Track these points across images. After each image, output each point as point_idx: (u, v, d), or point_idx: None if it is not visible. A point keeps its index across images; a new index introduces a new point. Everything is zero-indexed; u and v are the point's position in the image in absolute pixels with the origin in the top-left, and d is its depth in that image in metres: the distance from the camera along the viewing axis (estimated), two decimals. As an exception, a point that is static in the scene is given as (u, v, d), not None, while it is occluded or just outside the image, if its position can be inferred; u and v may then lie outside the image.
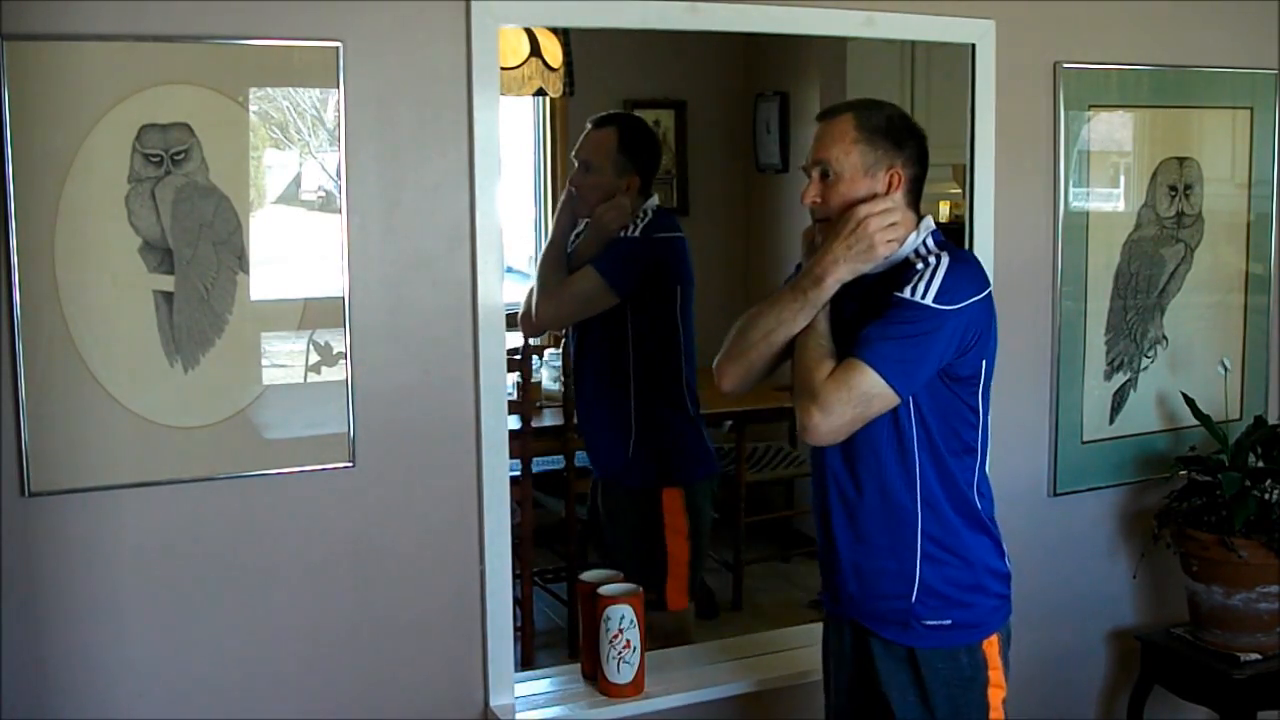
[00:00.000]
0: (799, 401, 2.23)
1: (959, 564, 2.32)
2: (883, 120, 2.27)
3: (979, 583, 2.34)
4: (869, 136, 2.24)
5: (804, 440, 2.25)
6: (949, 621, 2.31)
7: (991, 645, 2.34)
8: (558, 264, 3.24)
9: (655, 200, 3.28)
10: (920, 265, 2.22)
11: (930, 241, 2.28)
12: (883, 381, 2.17)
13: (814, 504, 2.42)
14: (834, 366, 2.20)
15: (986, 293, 2.25)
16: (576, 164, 3.29)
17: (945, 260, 2.22)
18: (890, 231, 2.23)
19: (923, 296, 2.18)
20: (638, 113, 5.59)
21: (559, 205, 3.34)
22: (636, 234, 3.21)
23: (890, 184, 2.25)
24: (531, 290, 3.33)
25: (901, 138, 2.27)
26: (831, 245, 2.23)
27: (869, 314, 2.23)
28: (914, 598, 2.30)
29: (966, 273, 2.24)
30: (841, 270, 2.23)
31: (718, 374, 2.40)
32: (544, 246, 3.34)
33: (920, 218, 2.30)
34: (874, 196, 2.24)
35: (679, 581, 3.27)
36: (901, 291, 2.19)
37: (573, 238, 3.30)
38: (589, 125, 3.31)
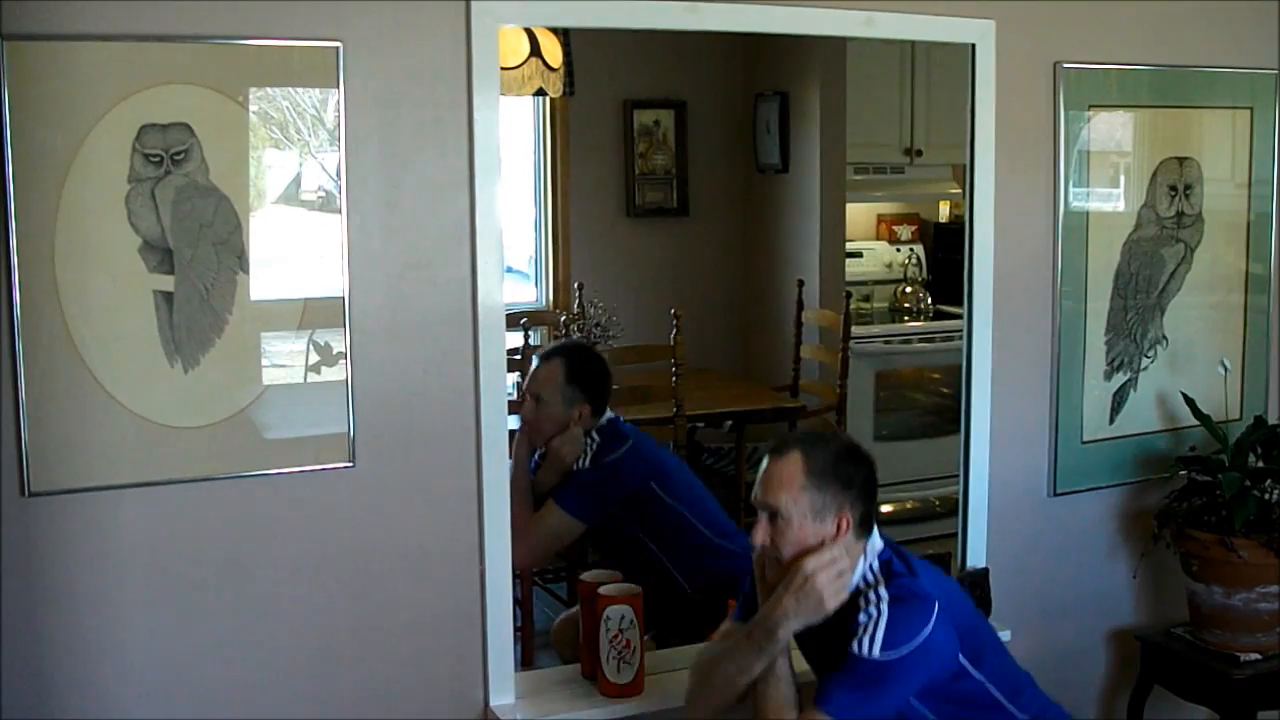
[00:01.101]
0: None
1: None
2: (830, 460, 2.30)
3: None
4: (816, 481, 2.28)
5: None
6: None
7: None
8: (524, 500, 3.22)
9: (606, 417, 3.28)
10: (863, 615, 2.25)
11: (875, 565, 2.32)
12: None
13: None
14: (796, 715, 2.28)
15: (934, 615, 2.25)
16: (527, 397, 3.31)
17: (885, 604, 2.25)
18: (838, 582, 2.27)
19: (869, 651, 2.22)
20: (637, 113, 5.63)
21: (515, 437, 3.32)
22: (587, 464, 3.24)
23: (839, 528, 2.28)
24: None
25: (849, 475, 2.31)
26: (782, 599, 2.28)
27: (821, 638, 2.29)
28: None
29: (906, 610, 2.25)
30: (793, 624, 2.29)
31: (689, 709, 2.48)
32: (508, 479, 3.35)
33: (868, 539, 2.33)
34: (822, 542, 2.27)
35: None
36: (852, 645, 2.23)
37: (532, 465, 3.31)
38: (535, 360, 3.36)
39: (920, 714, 2.29)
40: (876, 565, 2.32)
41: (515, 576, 2.97)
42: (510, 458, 3.18)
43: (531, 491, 3.27)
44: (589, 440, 3.25)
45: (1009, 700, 2.40)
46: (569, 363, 3.30)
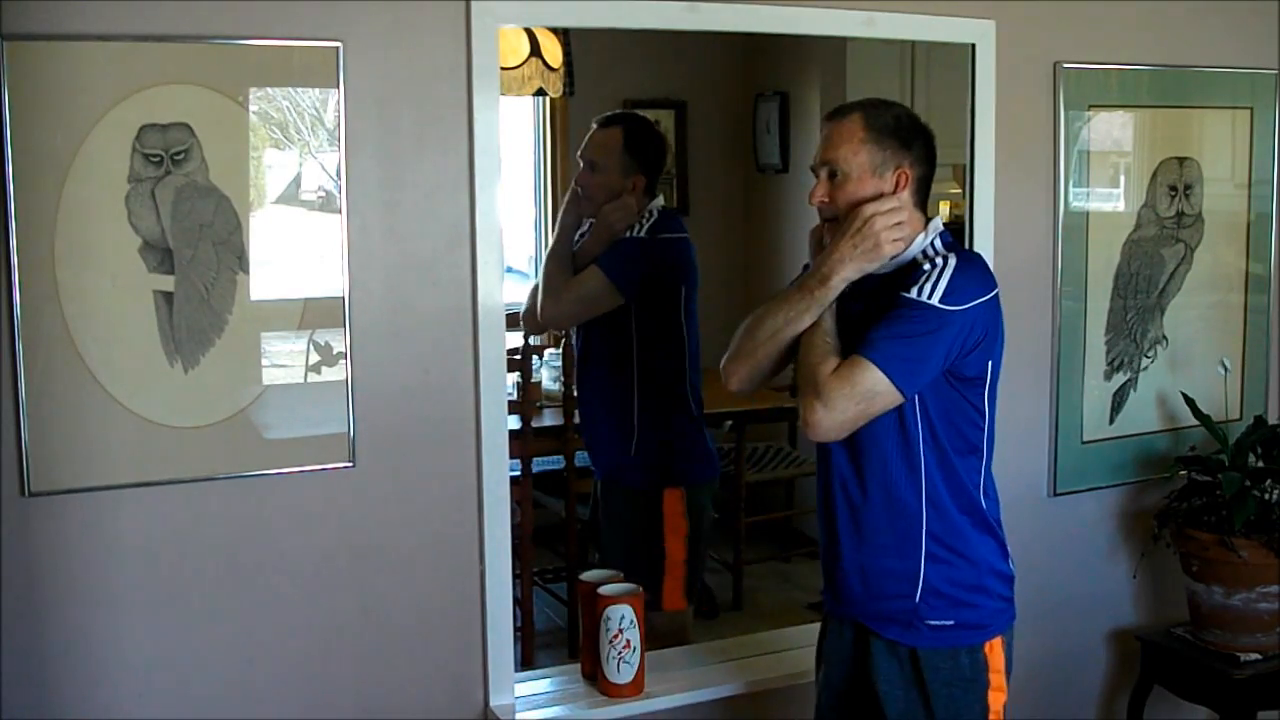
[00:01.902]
0: (803, 397, 2.23)
1: (963, 564, 2.32)
2: (891, 120, 2.27)
3: (983, 584, 2.34)
4: (877, 136, 2.25)
5: (806, 435, 2.26)
6: (952, 622, 2.31)
7: (994, 648, 2.34)
8: (563, 263, 3.23)
9: (660, 200, 3.28)
10: (927, 266, 2.23)
11: (938, 243, 2.29)
12: (887, 379, 2.17)
13: (819, 504, 2.43)
14: (839, 363, 2.21)
15: (993, 294, 2.26)
16: (582, 163, 3.28)
17: (952, 261, 2.23)
18: (896, 230, 2.23)
19: (929, 297, 2.19)
20: (637, 113, 5.62)
21: (564, 203, 3.34)
22: (642, 234, 3.20)
23: (898, 183, 2.25)
24: (536, 287, 3.32)
25: (909, 137, 2.28)
26: (838, 244, 2.24)
27: (875, 313, 2.23)
28: (918, 597, 2.30)
29: (973, 274, 2.24)
30: (848, 269, 2.24)
31: (725, 373, 2.41)
32: (549, 244, 3.33)
33: (929, 218, 2.30)
34: (881, 196, 2.24)
35: (675, 582, 3.27)
36: (908, 292, 2.20)
37: (578, 237, 3.29)
38: (594, 125, 3.31)
39: (914, 410, 2.25)
40: (939, 243, 2.28)
41: (515, 601, 2.96)
42: (556, 225, 3.25)
43: (572, 262, 3.24)
44: (647, 214, 3.22)
45: (984, 472, 2.37)
46: (628, 131, 3.25)
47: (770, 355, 2.34)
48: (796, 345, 2.30)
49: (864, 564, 2.34)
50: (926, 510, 2.29)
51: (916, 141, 2.29)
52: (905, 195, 2.26)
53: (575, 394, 3.79)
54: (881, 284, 2.27)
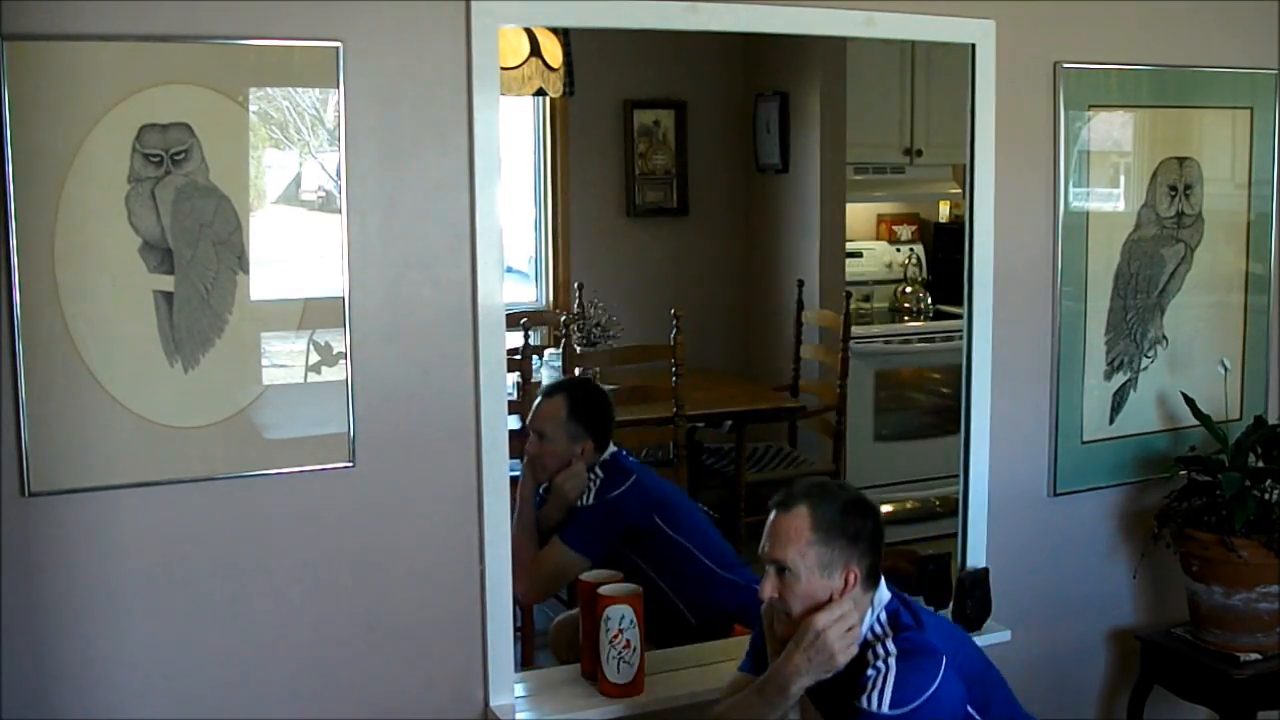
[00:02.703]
0: None
1: None
2: (836, 514, 2.31)
3: None
4: (824, 536, 2.29)
5: None
6: None
7: None
8: (529, 535, 3.24)
9: (609, 451, 3.29)
10: (870, 670, 2.26)
11: (882, 617, 2.33)
12: None
13: None
14: None
15: (940, 670, 2.26)
16: (531, 432, 3.32)
17: (894, 659, 2.26)
18: (848, 637, 2.28)
19: (878, 706, 2.22)
20: (637, 113, 5.63)
21: (522, 472, 3.34)
22: (590, 501, 3.24)
23: (846, 582, 2.29)
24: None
25: (857, 530, 2.31)
26: (793, 656, 2.30)
27: (831, 690, 2.30)
28: None
29: (914, 666, 2.26)
30: (804, 680, 2.30)
31: None
32: (514, 516, 3.34)
33: (875, 590, 2.34)
34: (831, 597, 2.28)
35: None
36: (860, 701, 2.23)
37: (537, 500, 3.32)
38: (539, 396, 3.37)
39: None
40: (884, 617, 2.33)
41: (515, 601, 2.97)
42: (515, 492, 3.19)
43: (536, 527, 3.28)
44: (592, 476, 3.26)
45: None
46: (572, 399, 3.31)
47: None
48: None
49: None
50: None
51: (864, 532, 2.32)
52: (856, 592, 2.30)
53: None
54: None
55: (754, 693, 2.38)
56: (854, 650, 2.29)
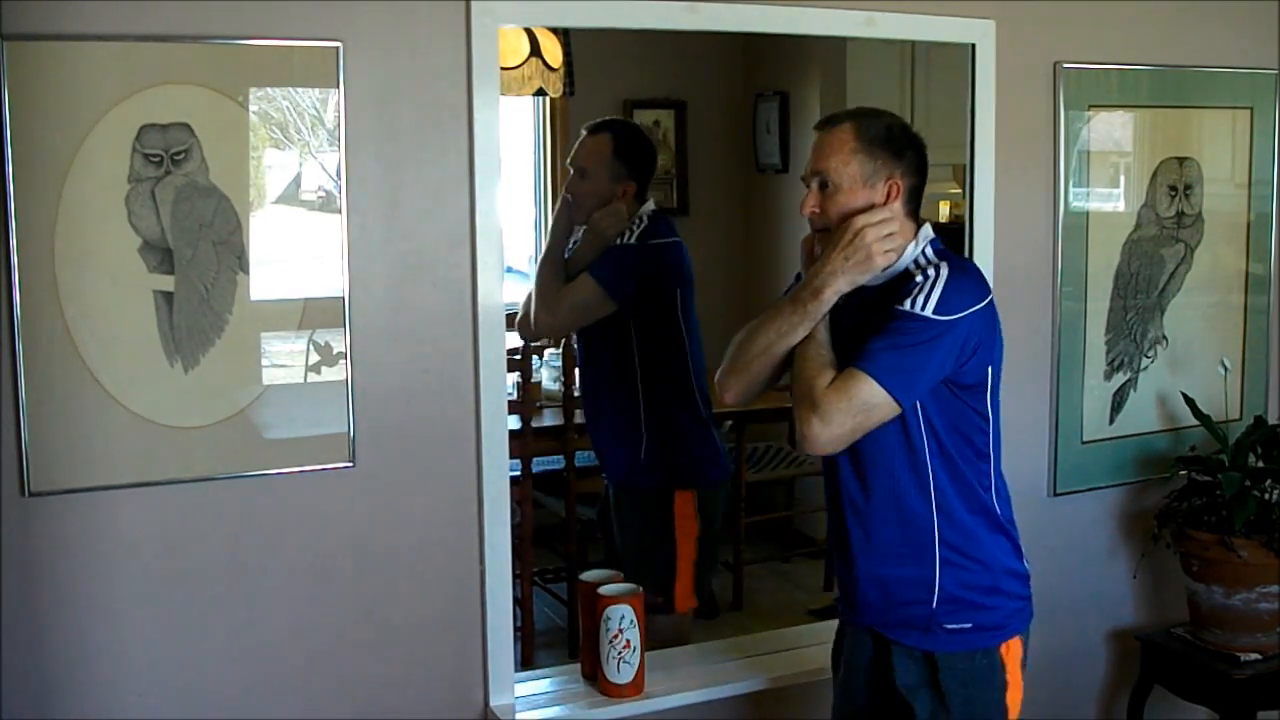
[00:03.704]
0: (799, 411, 2.23)
1: (977, 568, 2.32)
2: (882, 130, 2.27)
3: (998, 585, 2.34)
4: (868, 147, 2.24)
5: (803, 450, 2.25)
6: (969, 625, 2.31)
7: (1011, 648, 2.35)
8: (555, 271, 3.24)
9: (651, 205, 3.28)
10: (919, 277, 2.22)
11: (929, 251, 2.28)
12: (883, 391, 2.17)
13: (828, 516, 2.43)
14: (834, 376, 2.20)
15: (987, 300, 2.25)
16: (572, 170, 3.29)
17: (944, 271, 2.22)
18: (888, 242, 2.23)
19: (922, 308, 2.18)
20: (637, 113, 5.63)
21: (555, 211, 3.34)
22: (633, 241, 3.20)
23: (889, 194, 2.25)
24: (530, 295, 3.32)
25: (900, 147, 2.27)
26: (829, 256, 2.24)
27: (868, 325, 2.23)
28: (934, 604, 2.30)
29: (965, 282, 2.24)
30: (840, 282, 2.24)
31: (720, 387, 2.40)
32: (541, 252, 3.33)
33: (919, 226, 2.30)
34: (872, 207, 2.24)
35: (686, 583, 3.27)
36: (901, 304, 2.19)
37: (570, 244, 3.29)
38: (584, 131, 3.31)
39: (917, 419, 2.25)
40: (930, 251, 2.28)
41: (515, 601, 2.96)
42: (549, 233, 3.25)
43: (565, 269, 3.24)
44: (637, 220, 3.21)
45: (994, 474, 2.37)
46: (618, 138, 3.26)
47: (764, 369, 2.33)
48: (791, 358, 2.30)
49: (878, 574, 2.34)
50: (937, 517, 2.29)
51: (908, 151, 2.28)
52: (897, 206, 2.25)
53: (580, 398, 3.78)
54: (874, 295, 2.27)
55: (786, 301, 2.31)
56: (893, 257, 2.24)
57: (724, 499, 3.41)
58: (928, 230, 2.30)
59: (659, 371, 3.24)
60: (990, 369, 2.30)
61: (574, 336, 3.52)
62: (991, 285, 3.04)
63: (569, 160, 3.31)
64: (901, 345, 2.17)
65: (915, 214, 2.30)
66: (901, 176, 2.26)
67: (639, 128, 3.45)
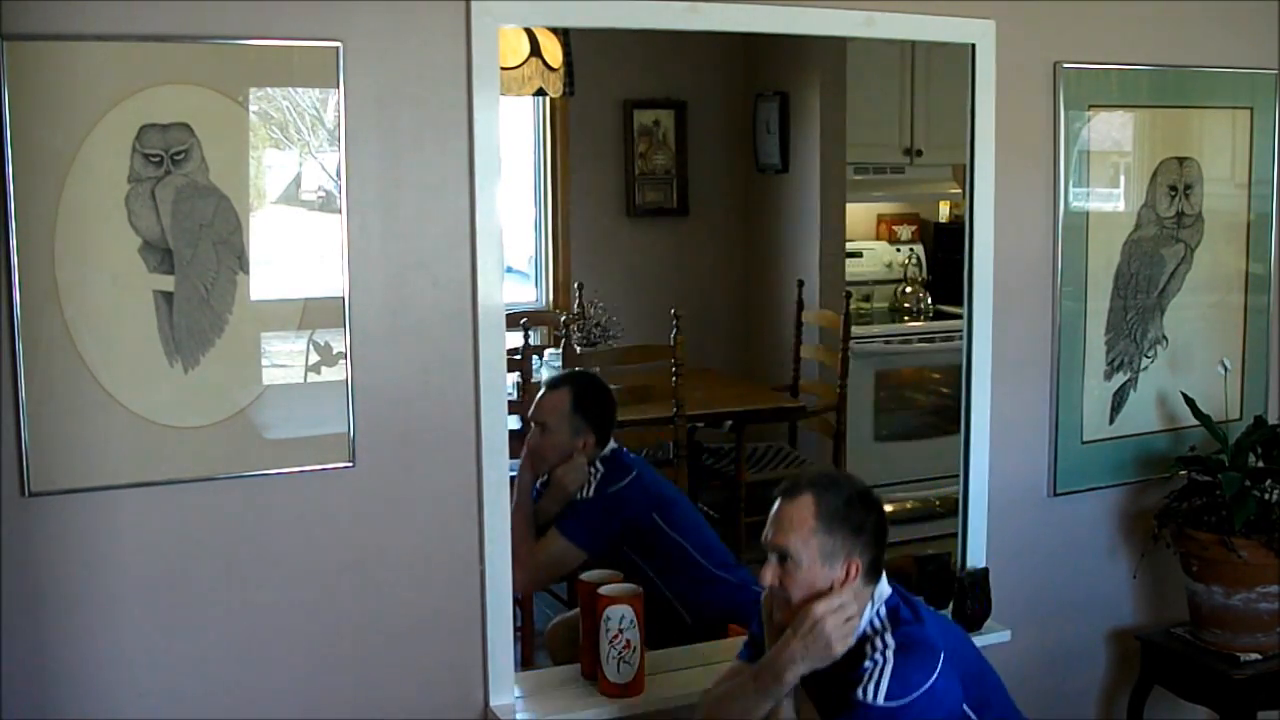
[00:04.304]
0: None
1: None
2: (841, 504, 2.31)
3: None
4: (827, 525, 2.29)
5: None
6: None
7: None
8: (526, 525, 3.24)
9: (610, 447, 3.30)
10: (868, 661, 2.26)
11: (882, 612, 2.32)
12: None
13: None
14: None
15: (939, 665, 2.26)
16: (533, 424, 3.32)
17: (891, 651, 2.26)
18: (846, 627, 2.28)
19: (874, 698, 2.22)
20: (637, 113, 5.63)
21: (520, 463, 3.34)
22: (590, 494, 3.25)
23: (848, 573, 2.29)
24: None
25: (860, 521, 2.31)
26: (790, 643, 2.29)
27: (825, 683, 2.30)
28: None
29: (912, 660, 2.26)
30: (800, 668, 2.30)
31: None
32: (510, 507, 3.34)
33: (876, 585, 2.34)
34: (831, 587, 2.28)
35: None
36: (855, 692, 2.23)
37: (534, 493, 3.32)
38: (543, 387, 3.38)
39: None
40: (884, 612, 2.33)
41: (516, 601, 2.97)
42: (514, 486, 3.20)
43: (534, 519, 3.28)
44: (593, 470, 3.27)
45: None
46: (575, 392, 3.32)
47: None
48: None
49: None
50: None
51: (867, 523, 2.32)
52: (856, 583, 2.29)
53: None
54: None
55: (749, 679, 2.37)
56: (851, 641, 2.29)
57: None
58: (883, 589, 2.35)
59: (675, 574, 3.24)
60: (966, 705, 2.33)
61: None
62: (991, 284, 3.08)
63: (530, 414, 3.34)
64: None
65: (875, 578, 2.34)
66: (860, 554, 2.30)
67: (596, 377, 3.50)
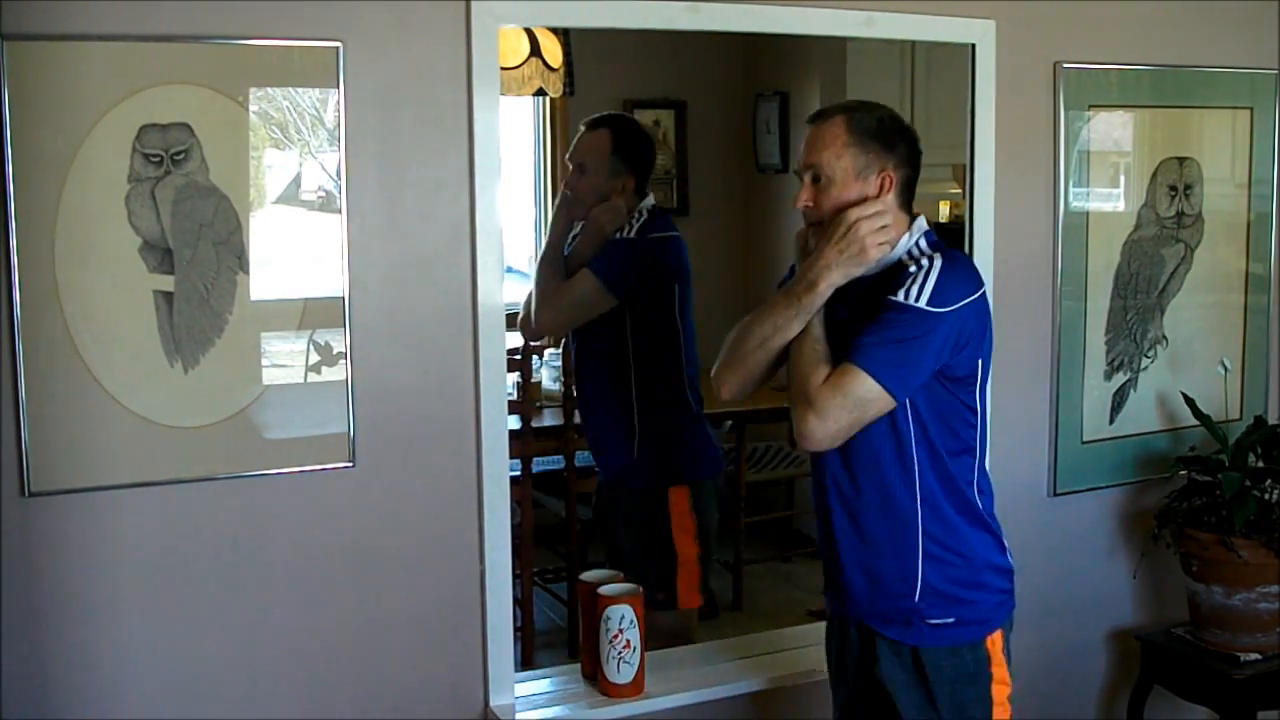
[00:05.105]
0: (795, 408, 2.23)
1: (960, 562, 2.32)
2: (874, 122, 2.27)
3: (980, 580, 2.35)
4: (860, 140, 2.25)
5: (800, 446, 2.25)
6: (952, 619, 2.32)
7: (995, 642, 2.35)
8: (555, 268, 3.24)
9: (650, 200, 3.28)
10: (913, 268, 2.23)
11: (923, 243, 2.28)
12: (878, 386, 2.17)
13: (815, 507, 2.43)
14: (829, 372, 2.21)
15: (980, 293, 2.26)
16: (571, 166, 3.29)
17: (938, 262, 2.22)
18: (881, 234, 2.23)
19: (915, 299, 2.18)
20: (637, 113, 5.63)
21: (555, 208, 3.35)
22: (632, 235, 3.21)
23: (882, 186, 2.25)
24: (530, 295, 3.33)
25: (893, 140, 2.27)
26: (823, 250, 2.24)
27: (863, 317, 2.23)
28: (917, 597, 2.31)
29: (959, 274, 2.24)
30: (834, 275, 2.24)
31: (716, 382, 2.41)
32: (541, 250, 3.33)
33: (913, 219, 2.30)
34: (865, 199, 2.24)
35: (690, 579, 3.27)
36: (894, 295, 2.19)
37: (569, 240, 3.30)
38: (582, 127, 3.31)
39: (905, 411, 2.25)
40: (923, 242, 2.28)
41: (515, 601, 2.96)
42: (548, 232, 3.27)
43: (565, 266, 3.25)
44: (637, 214, 3.22)
45: (977, 470, 2.37)
46: (616, 133, 3.26)
47: (760, 364, 2.34)
48: (787, 351, 2.30)
49: (862, 564, 2.35)
50: (922, 510, 2.29)
51: (900, 143, 2.28)
52: (890, 198, 2.25)
53: (575, 395, 3.79)
54: (868, 287, 2.27)
55: (780, 295, 2.31)
56: (886, 250, 2.24)
57: (717, 492, 3.40)
58: (921, 222, 2.31)
59: (653, 368, 3.24)
60: (980, 362, 2.30)
61: (570, 334, 3.52)
62: (991, 284, 3.07)
63: (568, 156, 3.32)
64: (896, 338, 2.18)
65: (909, 205, 2.30)
66: (894, 169, 2.26)
67: (637, 123, 3.45)
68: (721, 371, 2.39)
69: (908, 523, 2.30)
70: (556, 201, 3.33)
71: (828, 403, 2.18)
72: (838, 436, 2.21)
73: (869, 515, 2.32)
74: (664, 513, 3.24)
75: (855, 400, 2.18)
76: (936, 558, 2.31)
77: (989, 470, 2.44)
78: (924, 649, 2.32)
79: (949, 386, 2.27)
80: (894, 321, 2.18)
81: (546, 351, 4.79)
